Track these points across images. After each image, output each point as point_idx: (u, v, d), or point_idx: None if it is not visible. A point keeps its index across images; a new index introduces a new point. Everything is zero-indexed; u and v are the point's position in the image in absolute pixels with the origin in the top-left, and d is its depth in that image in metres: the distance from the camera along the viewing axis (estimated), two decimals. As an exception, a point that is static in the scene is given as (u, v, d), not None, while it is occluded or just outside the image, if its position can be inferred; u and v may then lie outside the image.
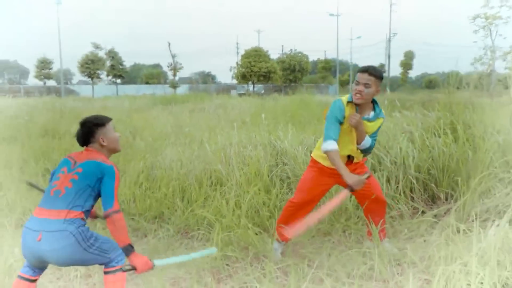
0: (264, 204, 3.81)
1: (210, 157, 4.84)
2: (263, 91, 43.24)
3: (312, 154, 3.13)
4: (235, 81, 43.47)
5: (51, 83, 43.71)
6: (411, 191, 4.14)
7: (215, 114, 11.44)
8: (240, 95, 34.13)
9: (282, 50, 47.86)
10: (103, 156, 2.40)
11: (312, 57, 60.53)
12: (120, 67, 40.50)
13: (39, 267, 2.31)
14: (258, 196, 3.88)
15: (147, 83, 46.22)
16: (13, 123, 8.31)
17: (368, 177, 2.88)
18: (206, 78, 68.33)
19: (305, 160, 4.58)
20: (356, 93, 2.78)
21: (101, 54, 39.36)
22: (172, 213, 3.88)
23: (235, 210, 3.72)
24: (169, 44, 37.45)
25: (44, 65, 40.50)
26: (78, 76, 63.87)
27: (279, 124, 6.25)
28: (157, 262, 2.30)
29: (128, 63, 53.70)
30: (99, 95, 31.79)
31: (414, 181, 4.13)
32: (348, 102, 2.88)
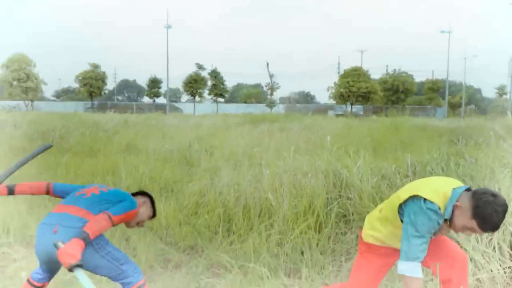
0: (310, 247, 3.18)
1: (264, 183, 4.34)
2: (361, 112, 41.54)
3: (362, 235, 2.25)
4: (334, 102, 42.55)
5: (162, 100, 47.33)
6: (510, 246, 3.15)
7: (299, 135, 10.93)
8: (338, 115, 33.19)
9: (387, 70, 45.61)
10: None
11: (420, 77, 56.84)
12: (222, 86, 42.22)
13: (50, 268, 2.31)
14: (304, 235, 3.27)
15: (245, 102, 47.57)
16: (101, 136, 8.75)
17: None
18: (305, 98, 68.28)
19: (371, 195, 3.85)
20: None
21: (205, 74, 41.59)
22: (206, 246, 3.44)
23: (276, 250, 3.18)
24: (267, 64, 38.14)
25: (154, 84, 44.10)
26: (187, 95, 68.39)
27: (352, 151, 5.51)
28: (79, 274, 2.00)
29: (231, 83, 55.92)
30: (201, 113, 33.35)
31: (515, 233, 3.14)
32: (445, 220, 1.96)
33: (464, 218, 1.89)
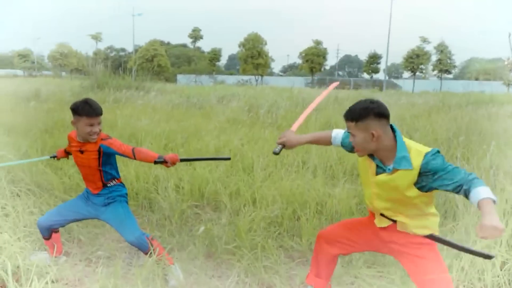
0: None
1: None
2: None
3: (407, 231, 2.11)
4: None
5: (381, 76, 46.14)
6: None
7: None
8: None
9: None
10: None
11: None
12: (448, 61, 38.08)
13: None
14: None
15: (477, 79, 41.62)
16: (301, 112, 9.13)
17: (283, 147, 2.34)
18: None
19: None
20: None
21: (429, 48, 38.21)
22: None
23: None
24: (510, 35, 32.00)
25: (373, 59, 43.24)
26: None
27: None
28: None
29: (464, 57, 49.66)
30: (421, 90, 31.07)
31: None
32: None
33: None
